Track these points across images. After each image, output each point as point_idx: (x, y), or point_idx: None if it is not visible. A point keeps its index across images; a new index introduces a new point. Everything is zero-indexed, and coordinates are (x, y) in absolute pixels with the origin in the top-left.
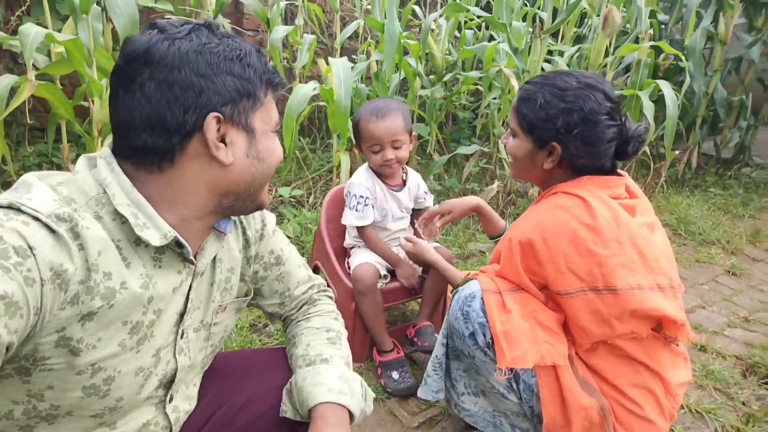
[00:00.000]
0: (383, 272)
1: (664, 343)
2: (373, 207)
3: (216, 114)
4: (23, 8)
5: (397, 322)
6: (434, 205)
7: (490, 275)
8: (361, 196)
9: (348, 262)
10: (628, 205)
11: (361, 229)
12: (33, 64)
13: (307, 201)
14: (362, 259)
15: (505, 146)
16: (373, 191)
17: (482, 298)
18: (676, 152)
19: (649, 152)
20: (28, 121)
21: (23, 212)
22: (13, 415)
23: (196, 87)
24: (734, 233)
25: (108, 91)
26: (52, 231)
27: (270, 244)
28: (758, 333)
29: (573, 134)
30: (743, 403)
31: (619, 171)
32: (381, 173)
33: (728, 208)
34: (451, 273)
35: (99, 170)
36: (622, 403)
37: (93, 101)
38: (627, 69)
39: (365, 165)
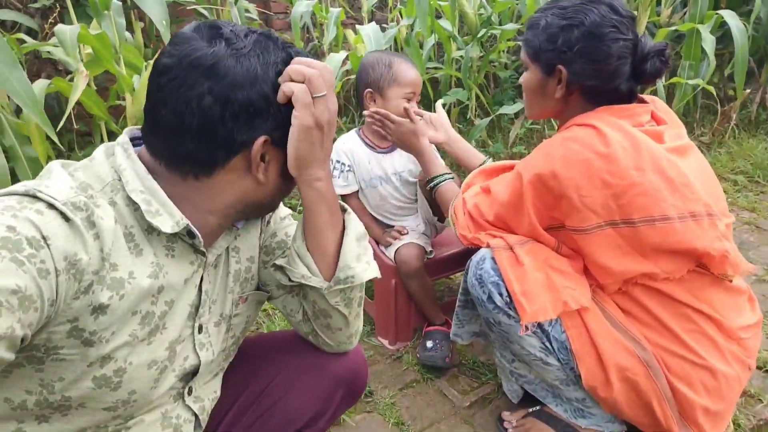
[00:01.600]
0: (429, 248)
1: (713, 280)
2: (353, 173)
3: (266, 137)
4: (54, 15)
5: (443, 297)
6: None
7: (498, 232)
8: (338, 162)
9: (381, 247)
10: (652, 131)
11: (345, 199)
12: (67, 68)
13: None
14: (403, 240)
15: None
16: (355, 158)
17: (492, 258)
18: (747, 91)
19: (715, 94)
20: (75, 126)
21: (39, 199)
22: (26, 405)
23: (254, 108)
24: None
25: (148, 85)
26: (68, 219)
27: (275, 227)
28: None
29: (575, 51)
30: None
31: (643, 97)
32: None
33: None
34: (432, 165)
35: (116, 157)
36: (670, 350)
37: (124, 97)
38: (685, 4)
39: (354, 129)
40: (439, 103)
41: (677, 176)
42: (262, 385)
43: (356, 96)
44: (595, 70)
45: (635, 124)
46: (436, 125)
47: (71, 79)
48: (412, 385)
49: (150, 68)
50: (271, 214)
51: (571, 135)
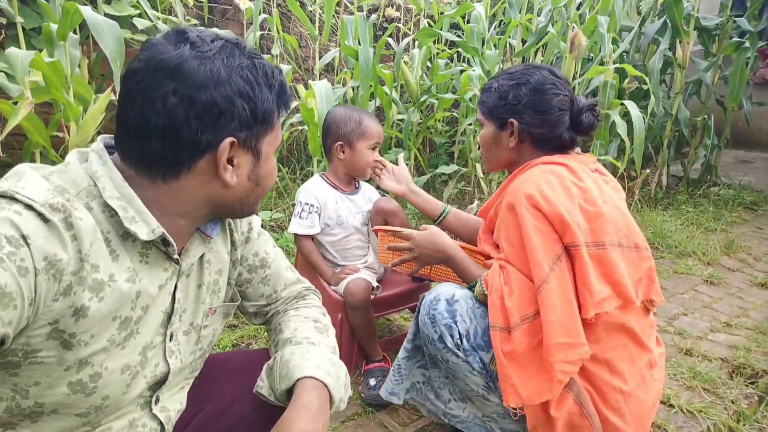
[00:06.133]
0: (375, 284)
1: (641, 308)
2: (319, 216)
3: (232, 139)
4: None
5: (383, 335)
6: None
7: (499, 304)
8: (307, 203)
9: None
10: (601, 179)
11: (300, 239)
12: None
13: (288, 225)
14: (353, 275)
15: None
16: (322, 199)
17: (447, 300)
18: (647, 171)
19: (622, 172)
20: (2, 155)
21: (17, 200)
22: None
23: (218, 109)
24: (709, 245)
25: (119, 89)
26: (46, 220)
27: (255, 246)
28: (740, 336)
29: (523, 104)
30: (732, 402)
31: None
32: (356, 175)
33: (701, 222)
34: (469, 268)
35: (90, 163)
36: (604, 379)
37: (68, 127)
38: (594, 94)
39: (317, 174)
40: (400, 157)
41: (627, 215)
42: (221, 406)
43: (323, 146)
44: (542, 119)
45: (590, 169)
46: (398, 177)
47: (16, 102)
48: (354, 418)
49: (98, 102)
50: (249, 229)
51: (546, 168)
